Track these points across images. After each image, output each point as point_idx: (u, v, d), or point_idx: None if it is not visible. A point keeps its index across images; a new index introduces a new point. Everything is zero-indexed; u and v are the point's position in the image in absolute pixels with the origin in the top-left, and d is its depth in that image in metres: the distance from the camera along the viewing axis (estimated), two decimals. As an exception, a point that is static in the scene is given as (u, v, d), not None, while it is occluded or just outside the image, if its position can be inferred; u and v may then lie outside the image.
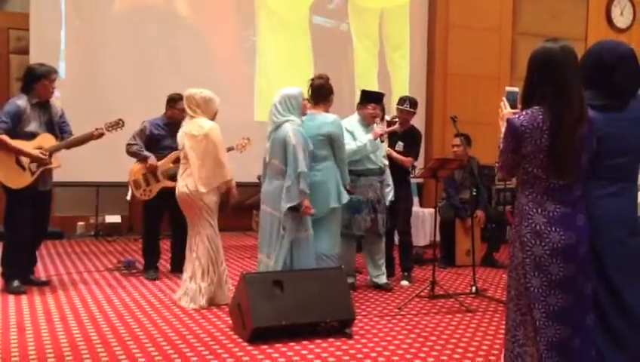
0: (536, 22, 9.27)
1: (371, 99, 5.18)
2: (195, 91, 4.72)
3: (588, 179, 2.55)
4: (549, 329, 2.47)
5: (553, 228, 2.45)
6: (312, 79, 4.83)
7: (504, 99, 2.68)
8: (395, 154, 5.56)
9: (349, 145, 4.93)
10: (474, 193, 6.22)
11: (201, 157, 4.60)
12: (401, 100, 5.78)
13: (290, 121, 4.39)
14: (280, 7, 8.30)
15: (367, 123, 5.20)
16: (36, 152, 4.86)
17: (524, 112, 2.50)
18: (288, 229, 4.31)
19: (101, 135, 5.12)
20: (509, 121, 2.51)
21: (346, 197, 4.70)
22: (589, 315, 2.50)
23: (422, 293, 5.02)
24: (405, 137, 5.67)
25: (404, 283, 5.55)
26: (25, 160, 4.87)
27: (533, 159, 2.47)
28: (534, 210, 2.49)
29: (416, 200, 7.91)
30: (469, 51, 8.86)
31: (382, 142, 5.17)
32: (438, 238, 6.07)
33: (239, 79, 7.74)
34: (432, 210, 6.29)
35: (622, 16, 9.92)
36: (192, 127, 4.64)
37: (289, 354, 3.63)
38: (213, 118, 4.73)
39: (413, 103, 5.71)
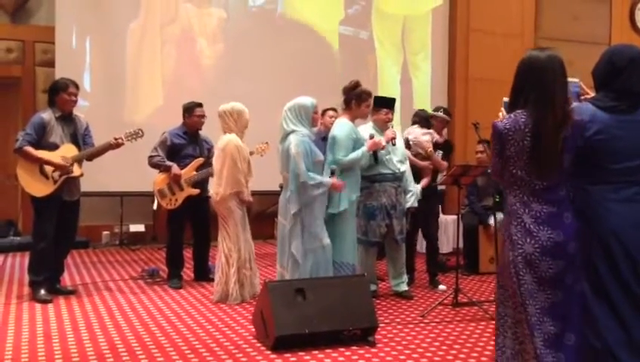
0: (558, 26, 9.19)
1: (384, 104, 5.19)
2: (227, 106, 5.11)
3: (595, 184, 2.57)
4: (544, 325, 2.53)
5: (541, 228, 2.54)
6: None
7: (502, 109, 2.77)
8: (435, 158, 5.74)
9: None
10: (497, 200, 6.17)
11: (219, 168, 5.01)
12: (437, 108, 6.28)
13: (296, 132, 4.44)
14: (309, 19, 8.35)
15: (380, 128, 5.17)
16: (58, 159, 4.96)
17: (507, 116, 2.59)
18: (298, 240, 4.40)
19: (120, 144, 5.18)
20: (493, 125, 2.60)
21: (344, 205, 4.70)
22: (579, 311, 2.56)
23: (445, 301, 4.98)
24: (443, 147, 6.01)
25: (442, 287, 5.57)
26: (48, 169, 4.97)
27: (517, 161, 2.55)
28: (522, 210, 2.57)
29: (438, 207, 7.87)
30: (490, 56, 8.81)
31: (393, 145, 5.12)
32: (461, 245, 6.04)
33: (265, 89, 7.77)
34: (455, 216, 6.25)
35: (646, 19, 9.79)
36: (219, 142, 5.08)
37: (312, 362, 3.64)
38: (245, 128, 5.13)
39: (448, 112, 6.29)
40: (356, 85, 4.93)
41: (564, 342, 2.53)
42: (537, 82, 2.53)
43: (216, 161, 5.06)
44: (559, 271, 2.53)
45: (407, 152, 5.52)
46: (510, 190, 2.63)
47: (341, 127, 4.86)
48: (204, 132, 5.85)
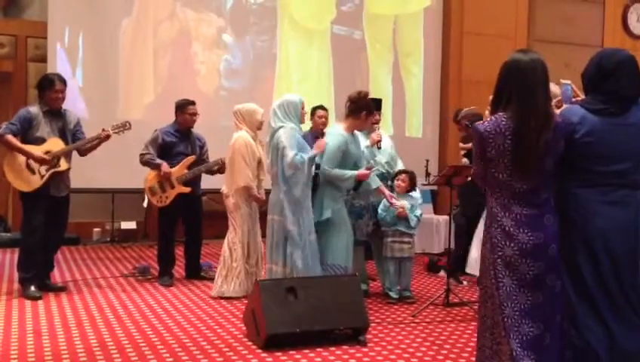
0: (551, 28, 9.23)
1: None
2: (240, 106, 5.27)
3: (583, 186, 2.58)
4: (522, 327, 2.54)
5: (521, 230, 2.54)
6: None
7: (489, 107, 2.75)
8: None
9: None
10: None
11: (229, 163, 5.17)
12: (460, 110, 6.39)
13: (284, 127, 4.46)
14: (303, 18, 8.34)
15: (366, 130, 5.09)
16: (39, 153, 4.90)
17: (489, 118, 2.60)
18: (292, 233, 4.41)
19: (107, 137, 5.15)
20: (474, 127, 2.61)
21: (327, 214, 4.60)
22: (560, 312, 2.57)
23: (436, 301, 4.99)
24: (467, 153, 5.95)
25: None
26: (35, 164, 4.93)
27: (498, 164, 2.55)
28: (502, 213, 2.57)
29: (430, 207, 7.89)
30: (483, 58, 8.82)
31: (379, 148, 5.12)
32: (452, 246, 6.04)
33: (259, 86, 7.76)
34: (447, 217, 6.26)
35: (638, 23, 9.84)
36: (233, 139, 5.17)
37: (303, 361, 3.63)
38: (259, 128, 5.23)
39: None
40: (366, 95, 4.78)
41: (545, 344, 2.54)
42: (519, 84, 2.53)
43: (228, 157, 5.17)
44: (540, 273, 2.54)
45: None
46: (492, 193, 2.63)
47: (334, 137, 4.71)
48: (196, 130, 5.83)
